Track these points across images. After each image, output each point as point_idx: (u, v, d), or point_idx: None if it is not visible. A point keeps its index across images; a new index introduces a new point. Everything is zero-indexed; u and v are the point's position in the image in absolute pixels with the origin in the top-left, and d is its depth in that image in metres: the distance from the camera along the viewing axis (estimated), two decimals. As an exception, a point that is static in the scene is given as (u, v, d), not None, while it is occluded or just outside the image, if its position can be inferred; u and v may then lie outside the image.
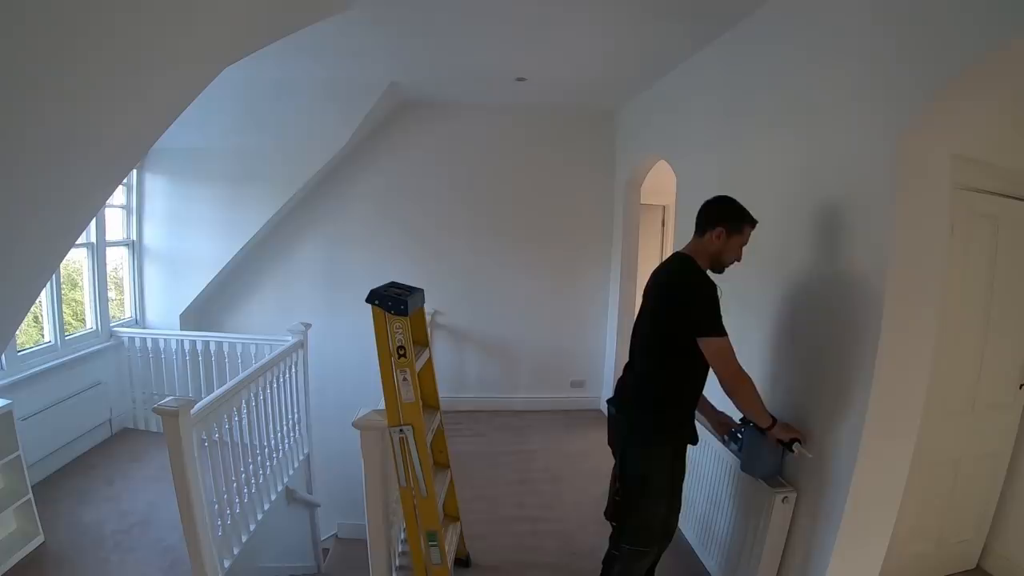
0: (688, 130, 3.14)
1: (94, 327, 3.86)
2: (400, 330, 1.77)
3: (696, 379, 1.80)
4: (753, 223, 1.80)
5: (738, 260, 1.81)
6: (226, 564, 2.45)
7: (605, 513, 1.97)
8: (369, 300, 1.79)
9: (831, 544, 1.76)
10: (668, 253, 6.61)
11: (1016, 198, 2.15)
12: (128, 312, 4.28)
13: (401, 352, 1.78)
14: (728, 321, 1.68)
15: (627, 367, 1.92)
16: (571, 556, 2.55)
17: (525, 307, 4.69)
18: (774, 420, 1.80)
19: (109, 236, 3.98)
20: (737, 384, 1.71)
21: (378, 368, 1.84)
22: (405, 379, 1.80)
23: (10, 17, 1.06)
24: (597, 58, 3.22)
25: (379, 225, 4.55)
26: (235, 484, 2.67)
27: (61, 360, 3.43)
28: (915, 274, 1.59)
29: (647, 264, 5.30)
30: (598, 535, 2.25)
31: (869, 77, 1.66)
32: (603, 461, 2.16)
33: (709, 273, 1.77)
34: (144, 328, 4.21)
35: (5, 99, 1.17)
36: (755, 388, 1.76)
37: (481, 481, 3.31)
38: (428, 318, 3.54)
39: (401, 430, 1.83)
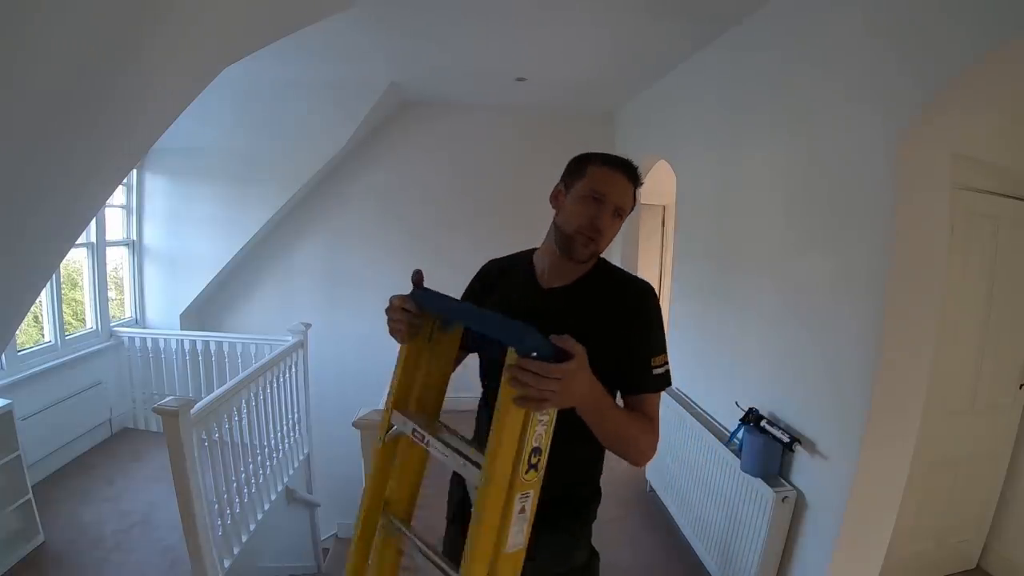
0: (688, 130, 3.14)
1: (94, 327, 3.86)
2: (544, 422, 0.82)
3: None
4: (604, 161, 1.03)
5: (588, 231, 1.01)
6: (226, 564, 2.46)
7: None
8: (519, 348, 0.76)
9: (831, 543, 1.76)
10: (668, 253, 6.52)
11: (1016, 198, 2.15)
12: (128, 312, 4.28)
13: (535, 460, 0.82)
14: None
15: None
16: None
17: (525, 307, 4.68)
18: None
19: (109, 236, 3.98)
20: None
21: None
22: (524, 509, 0.82)
23: (9, 17, 1.06)
24: (597, 58, 3.22)
25: (380, 224, 4.55)
26: (235, 484, 2.67)
27: (61, 360, 3.42)
28: (915, 274, 1.60)
29: (647, 264, 5.29)
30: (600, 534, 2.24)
31: (869, 76, 1.67)
32: (606, 459, 2.15)
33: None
34: (144, 328, 4.21)
35: (4, 99, 1.17)
36: None
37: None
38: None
39: None
